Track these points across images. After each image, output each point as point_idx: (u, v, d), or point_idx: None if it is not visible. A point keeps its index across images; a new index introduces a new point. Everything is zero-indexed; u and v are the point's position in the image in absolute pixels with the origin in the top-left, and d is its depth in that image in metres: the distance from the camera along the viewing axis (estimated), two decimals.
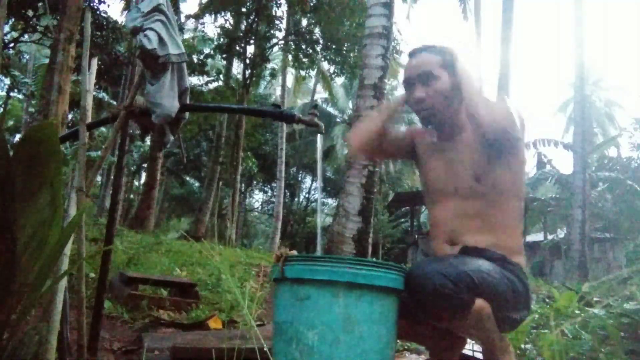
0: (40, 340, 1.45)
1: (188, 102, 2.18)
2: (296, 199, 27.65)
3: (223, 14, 15.11)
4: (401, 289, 1.29)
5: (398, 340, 2.78)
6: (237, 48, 15.09)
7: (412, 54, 1.61)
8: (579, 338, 2.32)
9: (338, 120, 24.24)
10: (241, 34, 15.07)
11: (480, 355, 2.05)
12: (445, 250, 1.54)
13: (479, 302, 1.30)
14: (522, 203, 1.58)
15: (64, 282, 1.62)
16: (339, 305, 1.19)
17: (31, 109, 17.99)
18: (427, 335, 1.57)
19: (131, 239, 8.17)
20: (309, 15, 14.37)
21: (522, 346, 2.49)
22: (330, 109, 24.58)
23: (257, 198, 30.95)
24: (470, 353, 2.18)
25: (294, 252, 1.30)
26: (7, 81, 15.79)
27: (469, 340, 1.94)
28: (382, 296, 1.25)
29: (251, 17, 14.83)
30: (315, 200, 27.14)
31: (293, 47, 15.26)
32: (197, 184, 26.72)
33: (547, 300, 4.22)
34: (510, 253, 1.48)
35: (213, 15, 15.27)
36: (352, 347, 1.19)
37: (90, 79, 2.00)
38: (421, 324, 1.48)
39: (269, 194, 27.75)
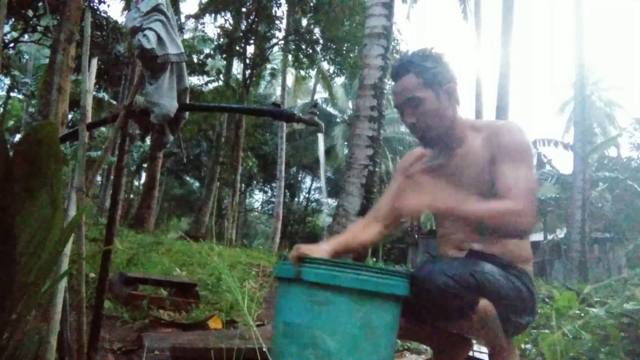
0: (40, 340, 1.45)
1: (188, 102, 2.18)
2: (296, 199, 27.65)
3: (223, 14, 15.12)
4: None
5: (398, 340, 2.78)
6: (237, 48, 15.10)
7: (394, 77, 1.56)
8: (579, 338, 2.32)
9: (338, 120, 24.23)
10: (241, 34, 15.07)
11: (480, 356, 2.05)
12: (453, 255, 1.54)
13: (483, 303, 1.30)
14: None
15: (64, 282, 1.62)
16: (360, 312, 1.18)
17: (31, 109, 18.01)
18: (431, 335, 1.57)
19: (131, 239, 8.17)
20: (309, 15, 14.37)
21: (522, 346, 2.50)
22: (330, 109, 24.57)
23: (257, 198, 30.97)
24: (470, 353, 2.18)
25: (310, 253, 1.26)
26: (7, 81, 15.81)
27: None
28: (397, 304, 1.27)
29: (251, 17, 14.84)
30: (315, 200, 27.13)
31: (293, 47, 15.26)
32: (197, 184, 26.73)
33: (547, 300, 4.22)
34: (518, 261, 1.48)
35: (213, 15, 15.27)
36: (370, 354, 1.19)
37: (90, 79, 2.00)
38: (425, 324, 1.48)
39: (269, 194, 27.75)
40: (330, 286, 1.18)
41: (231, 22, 15.43)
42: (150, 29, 1.91)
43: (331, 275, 1.18)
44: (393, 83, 1.58)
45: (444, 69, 1.51)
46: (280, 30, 15.25)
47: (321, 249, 1.35)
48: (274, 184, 23.41)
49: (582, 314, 2.72)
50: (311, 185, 27.76)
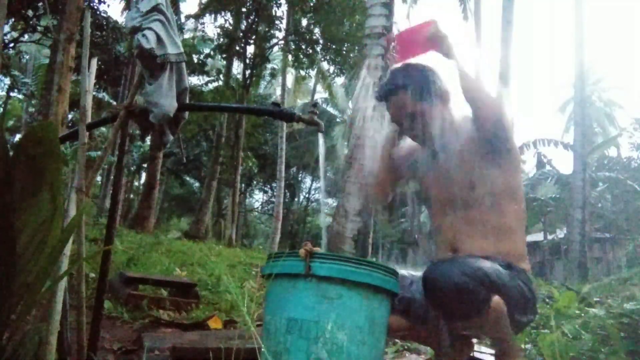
0: (40, 340, 1.45)
1: (188, 101, 2.18)
2: (296, 199, 27.64)
3: (223, 14, 15.11)
4: None
5: (398, 340, 2.78)
6: (237, 48, 15.10)
7: (385, 98, 1.64)
8: (579, 338, 2.32)
9: (338, 120, 24.22)
10: (241, 34, 15.07)
11: (481, 356, 2.05)
12: (448, 257, 1.54)
13: (496, 299, 1.32)
14: (523, 205, 1.58)
15: (64, 282, 1.62)
16: (366, 307, 1.22)
17: (31, 109, 18.01)
18: (432, 336, 1.57)
19: (131, 239, 8.17)
20: (309, 15, 14.37)
21: (523, 346, 2.50)
22: (330, 109, 24.55)
23: (257, 198, 30.95)
24: (471, 354, 2.18)
25: (319, 249, 1.27)
26: (7, 81, 15.80)
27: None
28: (390, 301, 1.31)
29: (251, 17, 14.84)
30: (315, 200, 27.11)
31: (293, 47, 15.25)
32: (197, 184, 26.70)
33: (547, 300, 4.22)
34: (515, 260, 1.49)
35: (213, 15, 15.27)
36: (374, 348, 1.23)
37: (90, 79, 2.00)
38: (427, 324, 1.48)
39: (269, 194, 27.73)
40: (343, 281, 1.20)
41: (231, 22, 15.43)
42: (150, 28, 1.91)
43: (345, 270, 1.20)
44: (384, 103, 1.65)
45: (430, 75, 1.59)
46: (280, 30, 15.25)
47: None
48: (274, 184, 23.40)
49: (582, 314, 2.72)
50: (311, 185, 27.75)
